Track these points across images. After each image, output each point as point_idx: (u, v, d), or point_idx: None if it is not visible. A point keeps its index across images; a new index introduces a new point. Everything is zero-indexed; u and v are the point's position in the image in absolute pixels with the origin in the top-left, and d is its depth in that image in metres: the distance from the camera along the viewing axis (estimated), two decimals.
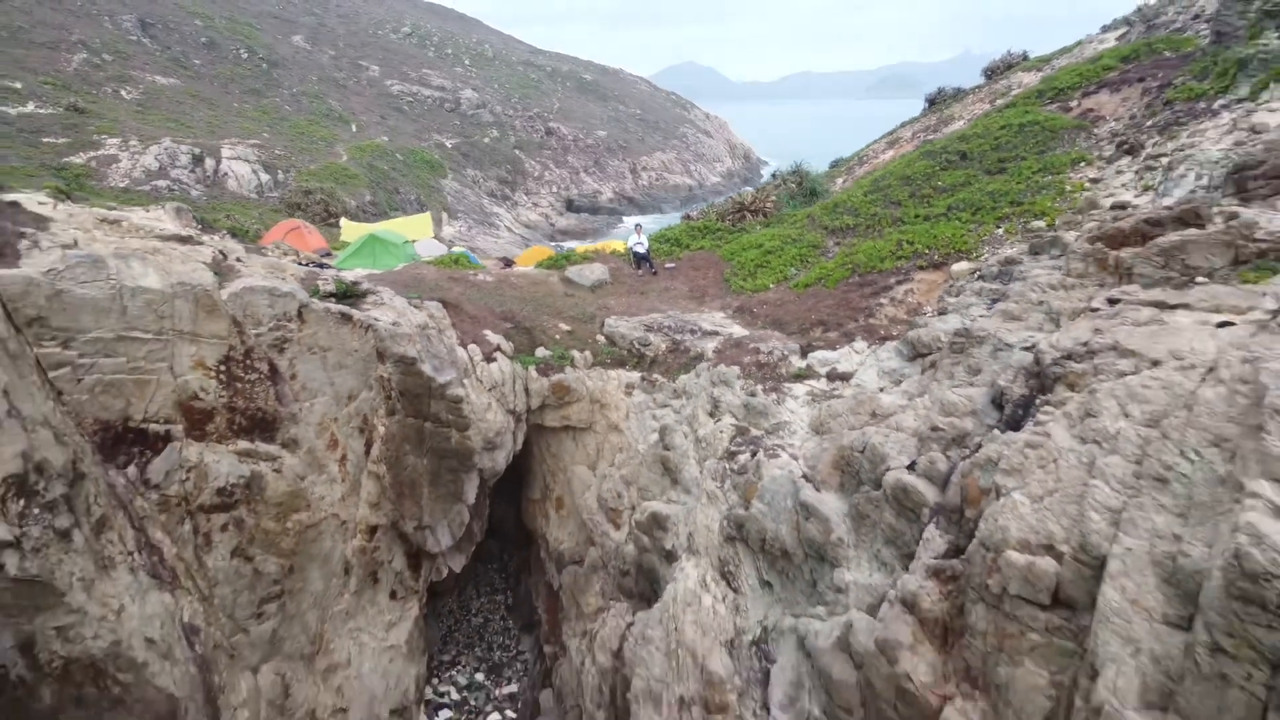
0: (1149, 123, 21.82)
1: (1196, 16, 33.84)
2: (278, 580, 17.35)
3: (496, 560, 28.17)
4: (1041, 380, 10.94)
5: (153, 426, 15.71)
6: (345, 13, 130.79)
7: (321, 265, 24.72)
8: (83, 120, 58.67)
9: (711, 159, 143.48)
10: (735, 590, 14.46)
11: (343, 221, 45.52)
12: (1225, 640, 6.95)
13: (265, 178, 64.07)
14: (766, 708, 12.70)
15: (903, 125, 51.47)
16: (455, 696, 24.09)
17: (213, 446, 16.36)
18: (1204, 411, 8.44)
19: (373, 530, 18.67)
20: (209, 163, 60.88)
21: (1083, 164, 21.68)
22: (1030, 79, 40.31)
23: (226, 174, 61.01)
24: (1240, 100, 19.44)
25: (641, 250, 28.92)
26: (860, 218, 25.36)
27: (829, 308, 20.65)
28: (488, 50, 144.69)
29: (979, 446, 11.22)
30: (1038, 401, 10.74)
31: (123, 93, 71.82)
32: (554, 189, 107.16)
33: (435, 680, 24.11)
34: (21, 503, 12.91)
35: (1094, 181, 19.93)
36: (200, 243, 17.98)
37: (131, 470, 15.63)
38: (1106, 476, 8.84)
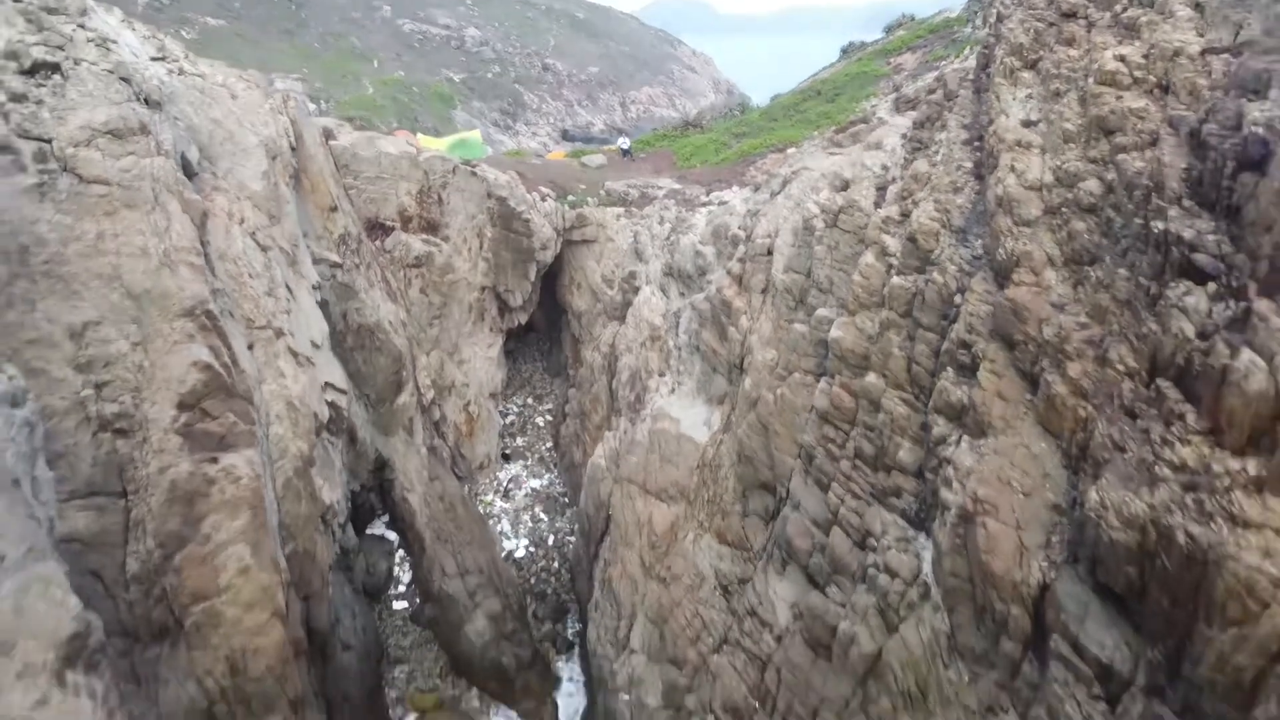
0: (914, 73, 36.15)
1: None
2: (439, 308, 32.12)
3: (535, 345, 43.01)
4: (784, 183, 25.59)
5: (386, 222, 30.34)
6: None
7: None
8: None
9: (696, 94, 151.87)
10: (666, 296, 29.30)
11: (419, 135, 59.68)
12: (818, 244, 21.70)
13: (312, 107, 76.13)
14: (677, 334, 27.59)
15: (823, 69, 65.45)
16: (515, 410, 39.21)
17: (411, 235, 31.00)
18: (814, 179, 23.20)
19: (483, 289, 33.43)
20: None
21: (873, 96, 36.09)
22: (904, 34, 54.36)
23: None
24: (950, 62, 33.79)
25: (626, 147, 44.02)
26: (751, 128, 39.99)
27: (726, 173, 35.41)
28: None
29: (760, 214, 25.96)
30: (779, 191, 25.44)
31: (183, 33, 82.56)
32: (550, 120, 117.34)
33: (503, 403, 39.12)
34: (342, 246, 27.39)
35: (873, 106, 34.30)
36: (393, 134, 32.48)
37: (377, 243, 30.35)
38: (787, 206, 23.58)
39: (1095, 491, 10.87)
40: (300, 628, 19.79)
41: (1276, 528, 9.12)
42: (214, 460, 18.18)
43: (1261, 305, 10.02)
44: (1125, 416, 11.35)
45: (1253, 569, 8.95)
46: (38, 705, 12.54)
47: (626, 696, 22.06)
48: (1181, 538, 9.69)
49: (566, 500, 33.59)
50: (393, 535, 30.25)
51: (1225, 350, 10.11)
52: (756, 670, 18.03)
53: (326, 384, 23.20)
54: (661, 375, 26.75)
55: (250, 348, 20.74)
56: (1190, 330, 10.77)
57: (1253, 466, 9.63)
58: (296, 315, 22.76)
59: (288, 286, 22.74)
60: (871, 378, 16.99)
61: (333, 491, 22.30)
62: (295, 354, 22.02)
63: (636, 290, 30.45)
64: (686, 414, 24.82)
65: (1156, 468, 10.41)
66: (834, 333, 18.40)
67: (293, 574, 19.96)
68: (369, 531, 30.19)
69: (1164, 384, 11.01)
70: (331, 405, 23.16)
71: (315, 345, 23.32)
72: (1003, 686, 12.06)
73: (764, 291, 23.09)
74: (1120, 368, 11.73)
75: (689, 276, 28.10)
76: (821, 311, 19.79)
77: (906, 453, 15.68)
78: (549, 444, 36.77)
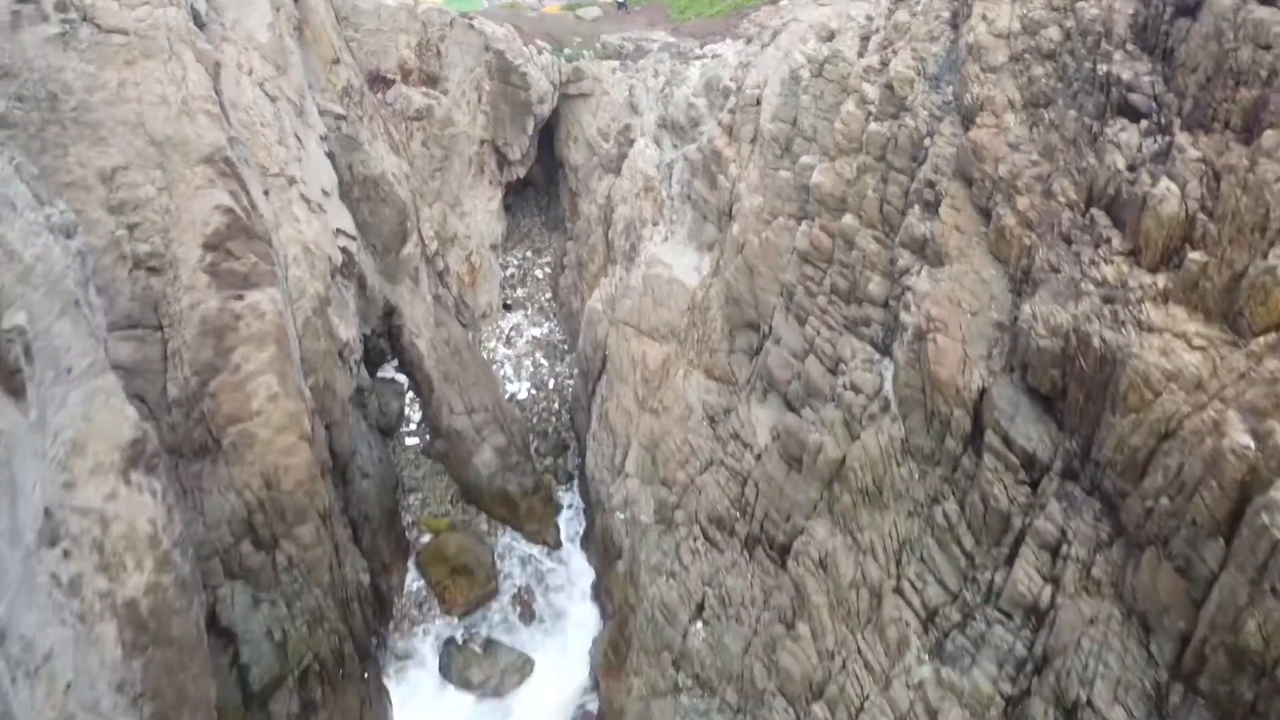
0: None
1: None
2: (440, 161, 32.87)
3: (533, 200, 43.91)
4: (774, 35, 26.11)
5: (387, 75, 30.84)
6: None
7: None
8: None
9: None
10: (660, 148, 30.14)
11: None
12: (804, 94, 22.49)
13: None
14: (670, 185, 28.59)
15: None
16: (515, 263, 40.44)
17: (411, 88, 31.53)
18: (802, 30, 23.81)
19: (482, 142, 34.17)
20: None
21: None
22: None
23: None
24: None
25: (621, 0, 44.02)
26: None
27: (720, 25, 35.62)
28: None
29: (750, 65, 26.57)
30: (770, 42, 25.99)
31: None
32: None
33: (503, 256, 40.31)
34: (346, 98, 27.99)
35: None
36: None
37: (379, 96, 30.93)
38: (776, 58, 24.23)
39: (1029, 306, 12.33)
40: (325, 451, 21.60)
41: (1174, 331, 10.59)
42: (240, 297, 19.59)
43: (1182, 139, 11.24)
44: (1062, 242, 12.69)
45: (1151, 364, 10.46)
46: (108, 498, 14.31)
47: (622, 515, 24.14)
48: (1097, 342, 11.19)
49: (566, 347, 35.21)
50: (402, 378, 31.96)
51: (1148, 179, 11.39)
52: (738, 485, 19.91)
53: (338, 230, 24.39)
54: (655, 224, 27.88)
55: (266, 194, 21.85)
56: (1122, 163, 12.01)
57: (1162, 281, 11.05)
58: (307, 164, 23.75)
59: (297, 136, 23.64)
60: (848, 219, 18.18)
61: (348, 330, 23.82)
62: (308, 200, 23.13)
63: (631, 143, 31.21)
64: (678, 260, 26.08)
65: (1082, 285, 11.83)
66: (815, 177, 19.47)
67: (316, 403, 21.66)
68: (380, 375, 31.88)
69: (1096, 212, 12.32)
70: (344, 251, 24.41)
71: (325, 193, 24.39)
72: (945, 479, 13.82)
73: (752, 141, 24.00)
74: (1062, 199, 12.99)
75: (682, 128, 28.86)
76: (805, 158, 20.79)
77: (876, 286, 17.05)
78: (548, 295, 38.18)
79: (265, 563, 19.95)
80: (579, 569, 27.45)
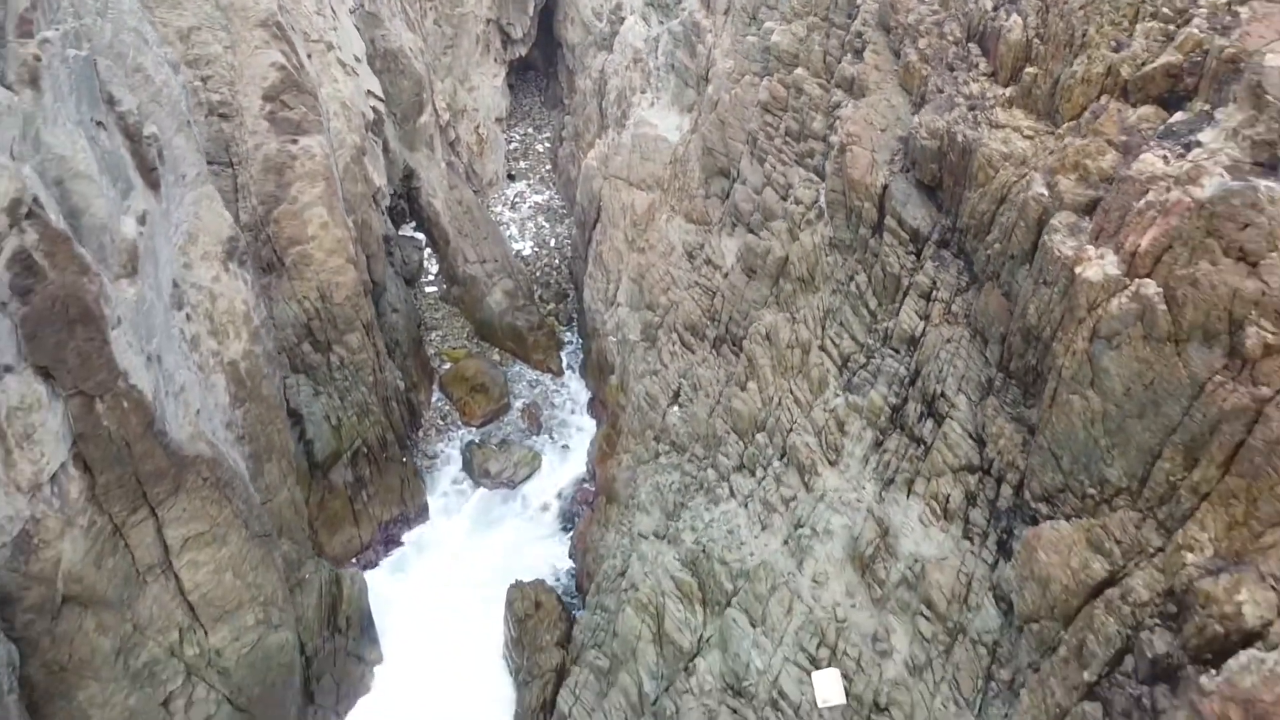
0: None
1: None
2: (451, 38, 35.68)
3: (534, 82, 46.73)
4: None
5: None
6: None
7: None
8: None
9: None
10: (648, 24, 33.16)
11: None
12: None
13: None
14: (656, 56, 31.72)
15: None
16: (517, 138, 43.64)
17: None
18: None
19: (488, 21, 37.00)
20: None
21: None
22: None
23: None
24: None
25: None
26: None
27: None
28: None
29: None
30: None
31: None
32: None
33: (507, 131, 43.46)
34: None
35: None
36: None
37: None
38: None
39: (918, 118, 15.99)
40: (366, 275, 25.40)
41: (1013, 126, 14.27)
42: (295, 141, 23.07)
43: None
44: (947, 71, 16.25)
45: (994, 150, 14.16)
46: (214, 280, 18.16)
47: (614, 338, 28.11)
48: (961, 138, 14.86)
49: (564, 211, 38.75)
50: (420, 235, 35.60)
51: (1004, 15, 14.93)
52: (708, 298, 23.76)
53: (368, 92, 27.68)
54: (643, 92, 31.14)
55: (309, 56, 25.10)
56: (990, 5, 15.53)
57: (1009, 92, 14.68)
58: (341, 32, 26.90)
59: (331, 8, 26.72)
60: (799, 71, 21.57)
61: (379, 179, 27.37)
62: (343, 64, 26.38)
63: (622, 20, 34.18)
64: (663, 120, 29.46)
65: (956, 99, 15.45)
66: (775, 38, 22.75)
67: (357, 235, 25.34)
68: (401, 233, 35.48)
69: (972, 45, 15.88)
70: (374, 110, 27.74)
71: (357, 59, 27.58)
72: (859, 260, 17.67)
73: (726, 12, 27.13)
74: (950, 39, 16.50)
75: (666, 4, 31.88)
76: (768, 24, 24.04)
77: (818, 123, 20.57)
78: (548, 166, 41.55)
79: (322, 362, 23.93)
80: (578, 390, 31.61)
